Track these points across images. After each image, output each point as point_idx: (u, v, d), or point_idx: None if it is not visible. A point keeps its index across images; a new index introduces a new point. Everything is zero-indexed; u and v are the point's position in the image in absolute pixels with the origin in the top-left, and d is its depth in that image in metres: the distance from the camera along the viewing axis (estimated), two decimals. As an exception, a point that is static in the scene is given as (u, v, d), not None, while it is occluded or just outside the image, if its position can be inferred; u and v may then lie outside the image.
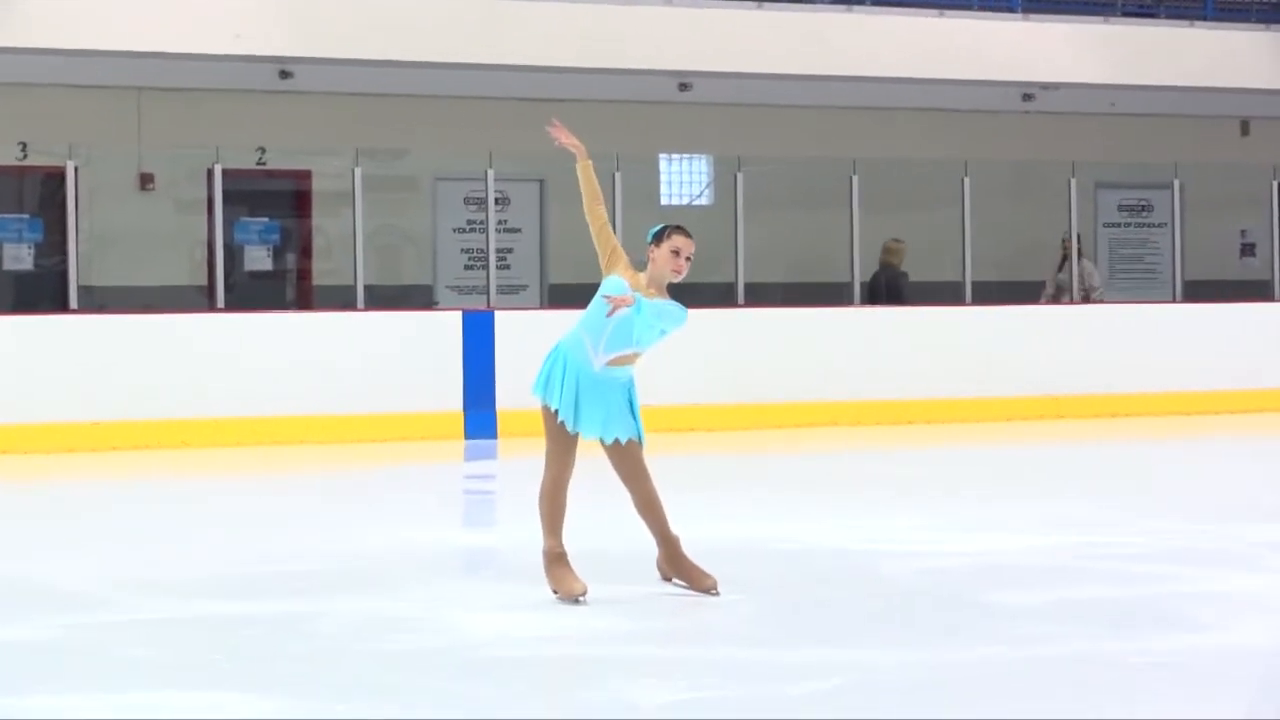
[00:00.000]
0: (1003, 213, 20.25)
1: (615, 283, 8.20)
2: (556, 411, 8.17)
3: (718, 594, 8.25)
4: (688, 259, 8.25)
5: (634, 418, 8.27)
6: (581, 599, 8.12)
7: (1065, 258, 20.13)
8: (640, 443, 8.28)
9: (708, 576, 8.32)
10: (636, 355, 8.30)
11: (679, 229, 8.32)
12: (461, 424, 16.72)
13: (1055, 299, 20.07)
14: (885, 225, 19.49)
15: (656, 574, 8.47)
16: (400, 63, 18.21)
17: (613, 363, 8.23)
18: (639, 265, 8.33)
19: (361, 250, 17.28)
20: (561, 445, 8.22)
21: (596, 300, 8.23)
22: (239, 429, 16.07)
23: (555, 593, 8.20)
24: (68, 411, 15.71)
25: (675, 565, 8.38)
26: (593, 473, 8.50)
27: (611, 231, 8.34)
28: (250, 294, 18.60)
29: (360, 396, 16.46)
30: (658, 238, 8.29)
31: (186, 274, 18.90)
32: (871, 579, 8.91)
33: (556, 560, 8.23)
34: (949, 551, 9.78)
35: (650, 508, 8.32)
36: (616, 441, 8.21)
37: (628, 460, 8.26)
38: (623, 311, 8.03)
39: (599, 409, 8.17)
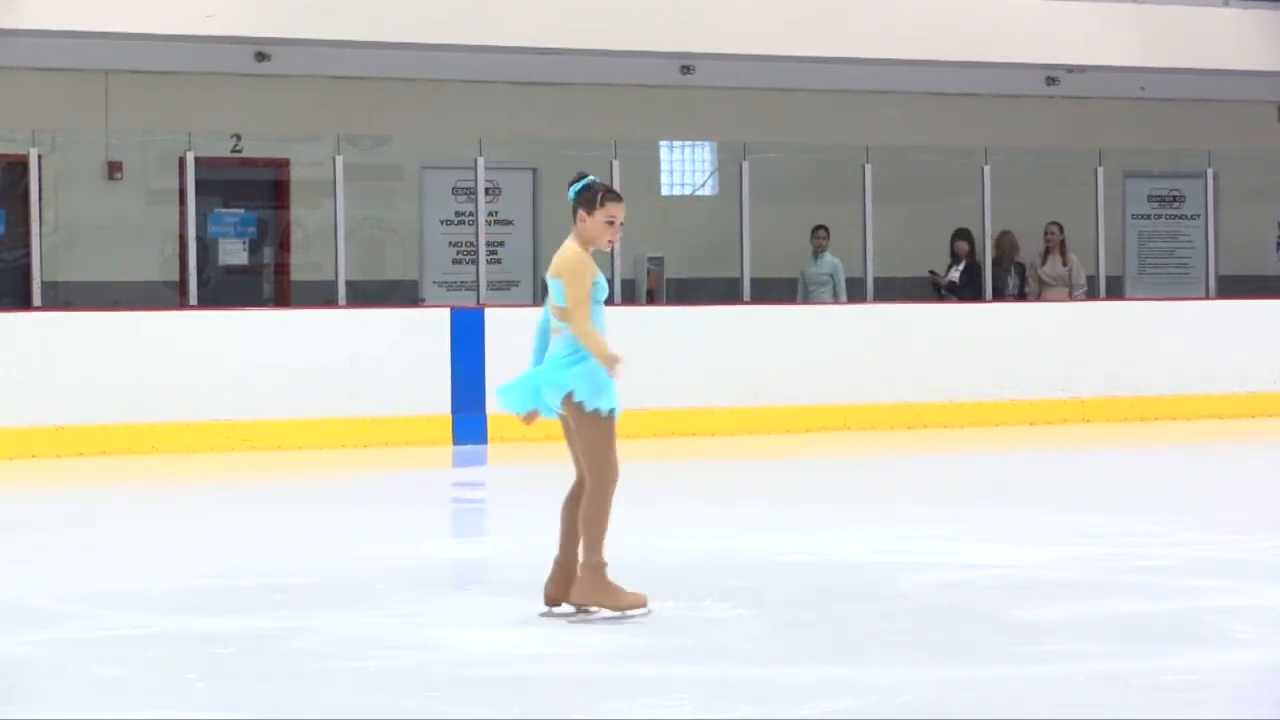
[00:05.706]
0: (1024, 204, 20.23)
1: (598, 282, 8.13)
2: (611, 412, 8.10)
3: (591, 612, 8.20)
4: (620, 224, 8.25)
5: None
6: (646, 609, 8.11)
7: (1048, 250, 20.08)
8: None
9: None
10: None
11: (612, 193, 8.23)
12: (450, 428, 16.72)
13: (1039, 295, 19.96)
14: (899, 216, 19.49)
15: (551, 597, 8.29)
16: (384, 44, 18.21)
17: None
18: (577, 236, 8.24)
19: (343, 243, 17.27)
20: (614, 445, 8.14)
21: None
22: (212, 434, 16.06)
23: (617, 609, 8.08)
24: (30, 415, 15.71)
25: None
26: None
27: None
28: (225, 290, 18.60)
29: (342, 399, 16.45)
30: (589, 202, 8.18)
31: (157, 269, 18.90)
32: (888, 593, 8.90)
33: (605, 573, 8.11)
34: (969, 564, 9.78)
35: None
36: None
37: None
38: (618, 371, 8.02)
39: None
